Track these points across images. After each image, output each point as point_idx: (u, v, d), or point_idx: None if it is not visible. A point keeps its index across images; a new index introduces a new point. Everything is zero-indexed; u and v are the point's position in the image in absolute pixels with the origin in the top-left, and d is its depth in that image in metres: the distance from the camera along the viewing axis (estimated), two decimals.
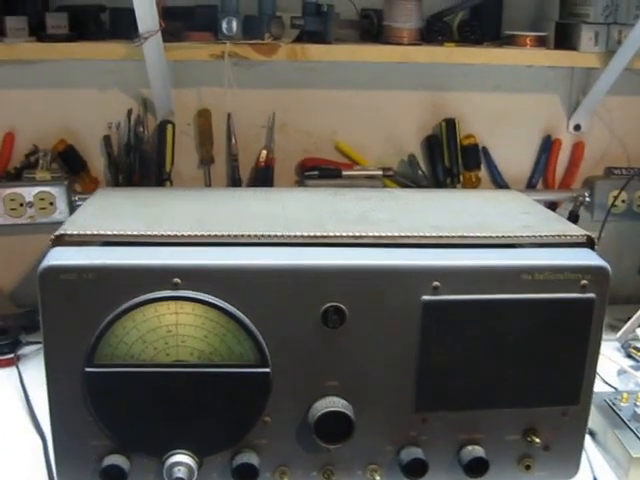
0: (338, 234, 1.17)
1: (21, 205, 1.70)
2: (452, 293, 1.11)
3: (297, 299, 1.10)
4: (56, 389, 1.11)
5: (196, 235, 1.15)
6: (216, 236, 1.15)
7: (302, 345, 1.12)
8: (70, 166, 1.75)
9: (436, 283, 1.11)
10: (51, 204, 1.71)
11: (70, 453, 1.14)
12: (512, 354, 1.15)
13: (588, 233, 1.21)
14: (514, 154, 1.88)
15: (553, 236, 1.21)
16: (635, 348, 1.65)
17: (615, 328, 1.72)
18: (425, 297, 1.11)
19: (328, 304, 1.10)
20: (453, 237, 1.18)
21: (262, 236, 1.16)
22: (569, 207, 1.88)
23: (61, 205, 1.71)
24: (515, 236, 1.20)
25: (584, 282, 1.13)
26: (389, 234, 1.17)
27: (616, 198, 1.82)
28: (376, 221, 1.26)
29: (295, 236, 1.16)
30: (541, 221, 1.30)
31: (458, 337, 1.13)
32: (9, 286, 1.83)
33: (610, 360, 1.59)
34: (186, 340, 1.09)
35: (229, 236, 1.16)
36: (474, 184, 1.84)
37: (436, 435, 1.18)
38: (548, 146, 1.88)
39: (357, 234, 1.17)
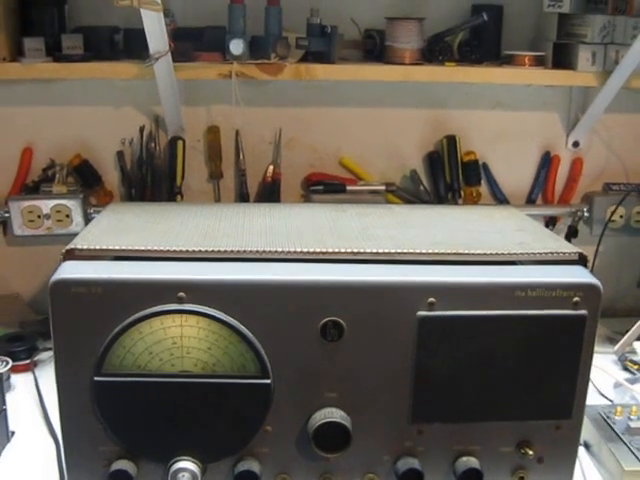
0: (337, 250, 1.19)
1: (39, 217, 1.75)
2: (447, 309, 1.13)
3: (297, 313, 1.12)
4: (66, 397, 1.14)
5: (201, 251, 1.18)
6: (220, 252, 1.18)
7: (302, 357, 1.14)
8: (85, 180, 1.80)
9: (432, 299, 1.12)
10: (67, 216, 1.75)
11: (80, 458, 1.17)
12: (506, 368, 1.16)
13: (581, 251, 1.23)
14: (514, 170, 1.91)
15: (547, 253, 1.22)
16: (631, 361, 1.66)
17: (614, 341, 1.73)
18: (421, 312, 1.13)
19: (327, 318, 1.12)
20: (449, 254, 1.20)
21: (264, 252, 1.19)
22: (568, 222, 1.90)
23: (77, 217, 1.75)
24: (509, 253, 1.22)
25: (576, 299, 1.14)
26: (387, 250, 1.20)
27: (613, 213, 1.84)
28: (375, 237, 1.28)
29: (296, 252, 1.19)
30: (535, 238, 1.31)
31: (453, 351, 1.15)
32: (28, 294, 1.88)
33: (607, 373, 1.60)
34: (190, 352, 1.12)
35: (232, 252, 1.18)
36: (475, 199, 1.87)
37: (432, 446, 1.19)
38: (547, 162, 1.90)
39: (356, 250, 1.19)
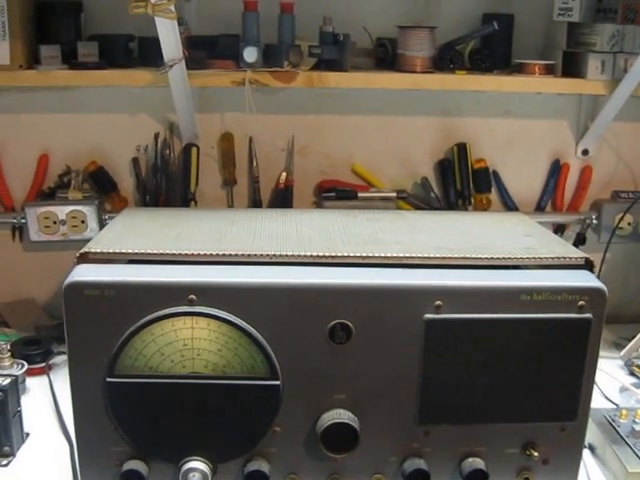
0: (346, 254, 1.21)
1: (54, 223, 1.77)
2: (454, 312, 1.14)
3: (306, 316, 1.14)
4: (80, 398, 1.16)
5: (212, 254, 1.19)
6: (230, 255, 1.20)
7: (311, 359, 1.15)
8: (101, 186, 1.82)
9: (438, 302, 1.14)
10: (82, 222, 1.77)
11: (93, 458, 1.19)
12: (511, 371, 1.17)
13: (587, 255, 1.23)
14: (524, 178, 1.91)
15: (553, 258, 1.23)
16: (638, 366, 1.67)
17: (620, 346, 1.74)
18: (428, 315, 1.14)
19: (335, 321, 1.14)
20: (456, 258, 1.21)
21: (274, 255, 1.20)
22: (577, 229, 1.90)
23: (92, 223, 1.77)
24: (516, 258, 1.23)
25: (581, 303, 1.15)
26: (394, 255, 1.21)
27: (620, 220, 1.84)
28: (384, 242, 1.30)
29: (305, 256, 1.20)
30: (543, 243, 1.32)
31: (459, 354, 1.16)
32: (43, 299, 1.90)
33: (613, 377, 1.62)
34: (201, 353, 1.13)
35: (243, 255, 1.20)
36: (485, 206, 1.87)
37: (438, 447, 1.21)
38: (557, 170, 1.90)
39: (364, 254, 1.21)
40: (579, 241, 1.87)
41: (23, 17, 1.61)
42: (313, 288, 1.14)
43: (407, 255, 1.21)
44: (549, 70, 1.75)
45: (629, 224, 1.88)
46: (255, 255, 1.20)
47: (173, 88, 1.64)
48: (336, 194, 1.84)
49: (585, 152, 1.90)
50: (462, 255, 1.22)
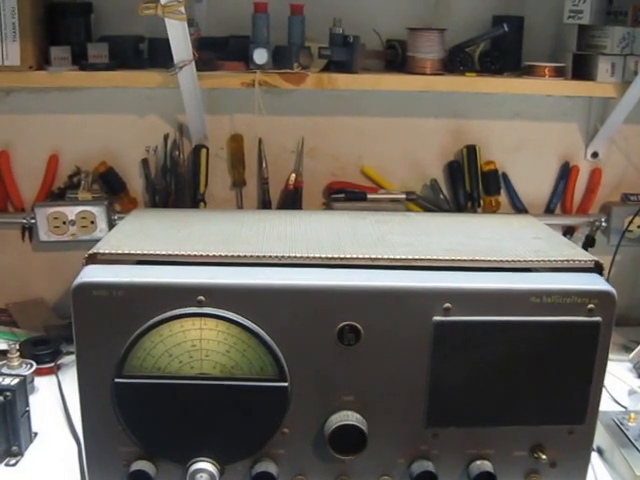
0: (355, 256, 1.21)
1: (64, 223, 1.77)
2: (462, 314, 1.14)
3: (314, 317, 1.14)
4: (88, 398, 1.16)
5: (220, 255, 1.20)
6: (239, 256, 1.20)
7: (319, 361, 1.15)
8: (110, 187, 1.82)
9: (447, 304, 1.14)
10: (92, 223, 1.78)
11: (100, 458, 1.19)
12: (520, 374, 1.17)
13: (596, 258, 1.23)
14: (533, 180, 1.91)
15: (562, 261, 1.23)
16: None
17: (629, 349, 1.73)
18: (436, 318, 1.14)
19: (344, 323, 1.13)
20: (465, 260, 1.21)
21: (283, 257, 1.20)
22: (586, 231, 1.90)
23: (101, 224, 1.78)
24: (525, 260, 1.23)
25: (591, 306, 1.15)
26: (403, 257, 1.21)
27: (630, 222, 1.84)
28: (393, 244, 1.30)
29: (314, 257, 1.20)
30: (552, 246, 1.32)
31: (468, 357, 1.15)
32: (52, 299, 1.91)
33: (621, 381, 1.61)
34: (209, 354, 1.13)
35: (252, 257, 1.20)
36: (494, 208, 1.87)
37: (446, 450, 1.20)
38: (566, 173, 1.90)
39: (373, 256, 1.21)
40: (588, 244, 1.87)
41: (33, 18, 1.62)
42: (322, 290, 1.14)
43: (416, 257, 1.22)
44: (559, 72, 1.74)
45: (639, 227, 1.87)
46: (264, 256, 1.20)
47: (183, 89, 1.64)
48: (345, 196, 1.84)
49: (595, 155, 1.89)
50: (471, 257, 1.22)
